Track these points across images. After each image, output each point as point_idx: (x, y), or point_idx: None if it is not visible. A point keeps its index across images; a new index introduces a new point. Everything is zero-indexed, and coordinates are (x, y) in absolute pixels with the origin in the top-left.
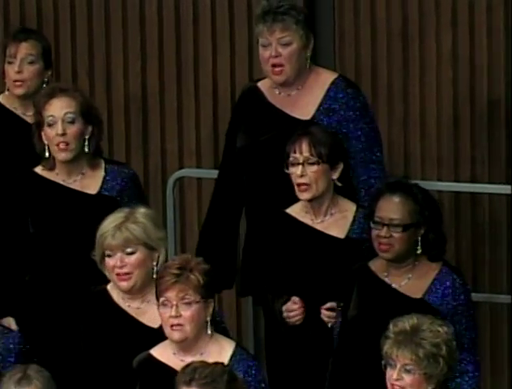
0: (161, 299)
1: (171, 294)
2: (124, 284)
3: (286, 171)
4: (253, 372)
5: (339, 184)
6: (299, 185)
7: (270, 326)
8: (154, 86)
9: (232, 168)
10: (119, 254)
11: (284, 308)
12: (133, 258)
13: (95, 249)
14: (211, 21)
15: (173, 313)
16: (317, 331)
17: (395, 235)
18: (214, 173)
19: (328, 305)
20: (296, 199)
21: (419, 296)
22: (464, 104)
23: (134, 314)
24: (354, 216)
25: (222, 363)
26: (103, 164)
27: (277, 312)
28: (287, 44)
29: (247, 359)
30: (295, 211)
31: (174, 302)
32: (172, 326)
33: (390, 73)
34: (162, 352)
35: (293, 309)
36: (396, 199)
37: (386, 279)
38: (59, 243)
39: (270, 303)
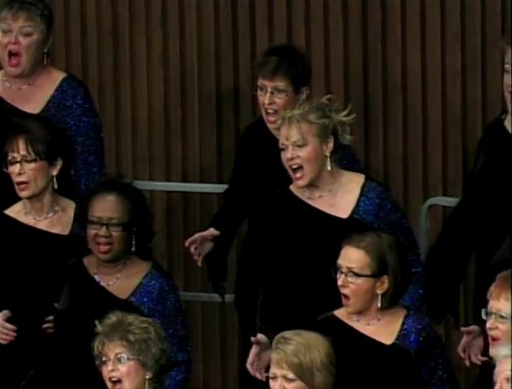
0: None
1: None
2: None
3: (5, 170)
4: None
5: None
6: (18, 183)
7: None
8: None
9: None
10: None
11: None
12: None
13: None
14: None
15: None
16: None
17: (115, 234)
18: None
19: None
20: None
21: (125, 296)
22: (175, 103)
23: None
24: (75, 213)
25: None
26: None
27: None
28: (27, 35)
29: None
30: (14, 211)
31: None
32: None
33: (101, 71)
34: None
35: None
36: (113, 198)
37: (96, 277)
38: None
39: None
